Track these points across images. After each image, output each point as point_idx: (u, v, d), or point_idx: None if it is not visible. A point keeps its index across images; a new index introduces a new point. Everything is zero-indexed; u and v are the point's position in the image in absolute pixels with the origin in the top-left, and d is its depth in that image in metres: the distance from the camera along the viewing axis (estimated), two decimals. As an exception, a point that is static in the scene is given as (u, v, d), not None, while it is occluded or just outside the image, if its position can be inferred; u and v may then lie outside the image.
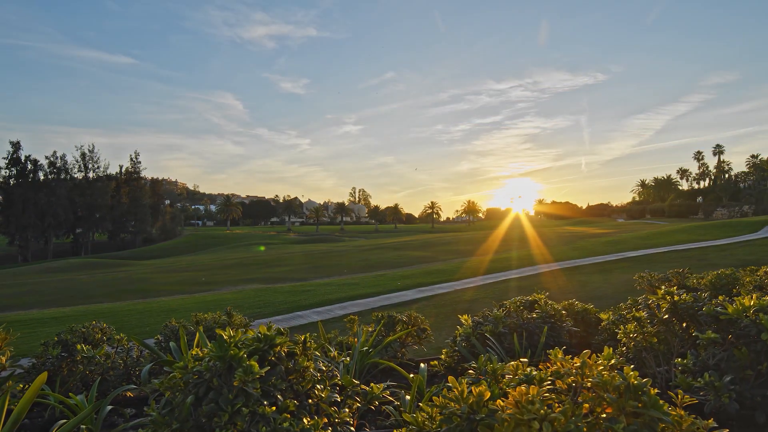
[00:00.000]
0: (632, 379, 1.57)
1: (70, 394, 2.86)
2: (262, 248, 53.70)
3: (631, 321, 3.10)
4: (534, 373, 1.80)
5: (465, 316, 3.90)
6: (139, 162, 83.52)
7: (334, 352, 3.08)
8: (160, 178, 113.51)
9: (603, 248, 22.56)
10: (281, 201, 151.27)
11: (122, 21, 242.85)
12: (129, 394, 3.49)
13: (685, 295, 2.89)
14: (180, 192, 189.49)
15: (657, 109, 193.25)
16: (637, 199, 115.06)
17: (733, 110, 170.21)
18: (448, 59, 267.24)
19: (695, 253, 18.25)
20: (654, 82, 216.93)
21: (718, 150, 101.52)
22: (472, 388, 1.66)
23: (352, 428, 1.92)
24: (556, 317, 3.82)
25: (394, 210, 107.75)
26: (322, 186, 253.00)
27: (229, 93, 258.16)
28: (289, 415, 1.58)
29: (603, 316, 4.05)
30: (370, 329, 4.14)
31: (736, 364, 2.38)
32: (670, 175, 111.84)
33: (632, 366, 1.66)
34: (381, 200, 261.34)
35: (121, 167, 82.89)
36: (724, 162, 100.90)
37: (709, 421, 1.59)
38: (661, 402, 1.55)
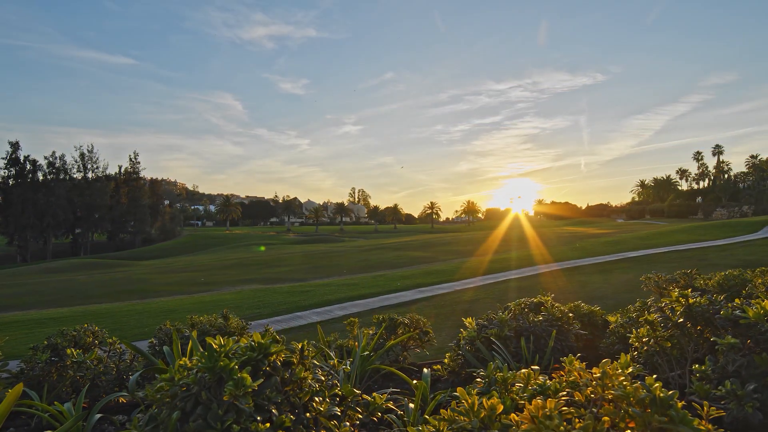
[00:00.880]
0: (658, 392, 1.44)
1: (55, 402, 2.73)
2: (263, 248, 53.53)
3: (643, 324, 2.98)
4: (548, 383, 1.68)
5: (469, 319, 3.77)
6: (139, 162, 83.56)
7: (334, 360, 2.96)
8: (160, 178, 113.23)
9: (603, 248, 22.48)
10: (281, 201, 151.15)
11: (122, 21, 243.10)
12: (122, 399, 3.37)
13: (699, 297, 2.77)
14: (179, 192, 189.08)
15: (656, 110, 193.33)
16: (637, 199, 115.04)
17: (733, 110, 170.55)
18: (447, 59, 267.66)
19: (695, 253, 18.18)
20: (653, 83, 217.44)
21: (718, 150, 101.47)
22: (483, 400, 1.54)
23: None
24: (564, 320, 3.69)
25: (394, 210, 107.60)
26: (321, 186, 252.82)
27: (229, 93, 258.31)
28: None
29: (611, 318, 3.93)
30: (370, 332, 4.02)
31: (758, 371, 2.25)
32: (669, 176, 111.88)
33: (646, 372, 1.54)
34: (380, 200, 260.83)
35: (120, 167, 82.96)
36: (723, 162, 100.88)
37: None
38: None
